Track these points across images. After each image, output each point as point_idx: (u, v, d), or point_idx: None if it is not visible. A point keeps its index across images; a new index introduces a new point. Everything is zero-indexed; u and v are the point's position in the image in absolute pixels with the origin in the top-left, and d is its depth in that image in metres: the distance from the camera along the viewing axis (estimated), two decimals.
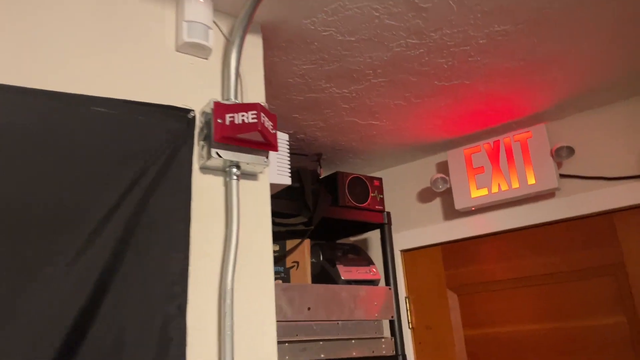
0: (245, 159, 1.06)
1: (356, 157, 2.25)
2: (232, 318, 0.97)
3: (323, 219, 1.90)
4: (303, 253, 1.81)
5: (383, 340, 1.83)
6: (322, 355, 1.67)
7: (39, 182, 0.87)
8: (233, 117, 1.02)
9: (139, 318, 0.90)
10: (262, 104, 1.08)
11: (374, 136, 2.03)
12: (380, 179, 2.10)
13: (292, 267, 1.78)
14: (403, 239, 2.27)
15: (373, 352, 1.80)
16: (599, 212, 1.82)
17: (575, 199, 1.86)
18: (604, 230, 1.82)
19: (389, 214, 2.09)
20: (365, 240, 2.42)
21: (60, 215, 0.88)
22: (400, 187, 2.35)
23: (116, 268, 0.90)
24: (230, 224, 1.04)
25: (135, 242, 0.93)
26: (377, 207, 2.06)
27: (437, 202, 2.23)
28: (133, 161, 0.97)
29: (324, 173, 2.23)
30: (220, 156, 1.02)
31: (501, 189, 1.95)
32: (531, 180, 1.89)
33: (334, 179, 2.01)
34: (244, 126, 1.01)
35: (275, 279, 1.73)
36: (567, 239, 1.89)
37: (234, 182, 1.06)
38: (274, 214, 1.74)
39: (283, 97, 1.67)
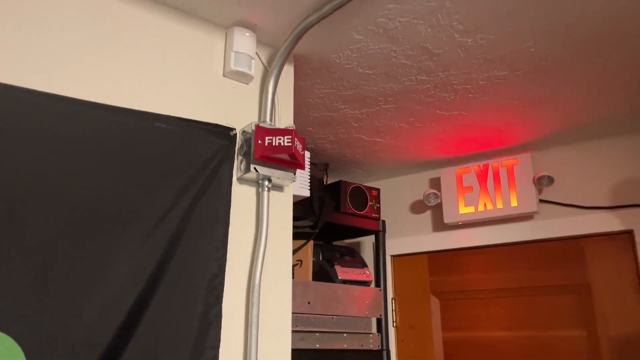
0: (277, 174, 1.26)
1: (358, 168, 2.46)
2: (258, 308, 1.17)
3: (325, 222, 2.10)
4: (307, 253, 2.01)
5: (371, 335, 2.04)
6: (317, 345, 1.87)
7: (108, 185, 1.06)
8: (272, 139, 1.21)
9: (184, 304, 1.09)
10: (294, 128, 1.27)
11: (376, 151, 2.24)
12: (378, 190, 2.31)
13: (296, 265, 1.98)
14: (394, 245, 2.49)
15: (362, 345, 2.01)
16: (571, 236, 2.05)
17: (551, 223, 2.09)
18: (574, 253, 2.05)
19: (384, 222, 2.30)
20: (358, 244, 2.63)
21: (126, 214, 1.06)
22: (395, 198, 2.56)
23: (169, 260, 1.09)
24: (260, 228, 1.23)
25: (185, 239, 1.12)
26: (373, 215, 2.27)
27: (427, 215, 2.44)
28: (185, 170, 1.16)
29: (328, 181, 2.43)
30: (257, 171, 1.21)
31: (487, 208, 2.17)
32: (514, 203, 2.11)
33: (337, 187, 2.21)
34: (280, 148, 1.20)
35: None
36: (541, 257, 2.11)
37: (266, 193, 1.26)
38: None
39: (301, 113, 1.86)
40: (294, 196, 1.44)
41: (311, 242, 2.05)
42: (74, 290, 0.96)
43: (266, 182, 1.26)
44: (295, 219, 1.95)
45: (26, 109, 0.98)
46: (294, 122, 1.91)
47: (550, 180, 2.06)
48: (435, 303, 2.34)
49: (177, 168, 1.15)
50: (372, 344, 2.05)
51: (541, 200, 2.13)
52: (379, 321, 2.15)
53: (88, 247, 1.00)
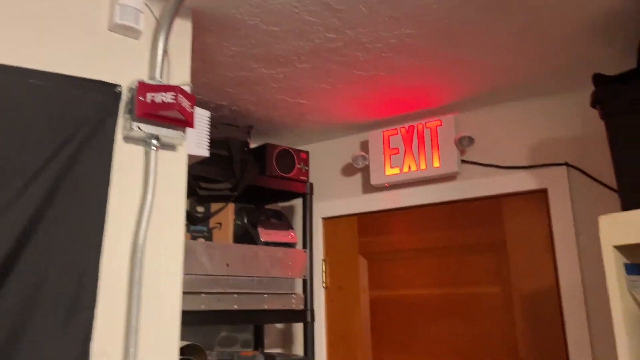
0: (164, 133, 1.22)
1: (288, 132, 2.43)
2: (141, 269, 1.15)
3: (250, 185, 2.09)
4: (227, 216, 2.00)
5: (294, 296, 2.07)
6: (235, 306, 1.88)
7: None
8: (154, 96, 1.17)
9: (59, 265, 1.06)
10: (182, 85, 1.24)
11: (303, 113, 2.21)
12: (307, 152, 2.29)
13: (215, 227, 1.96)
14: (325, 208, 2.50)
15: (284, 305, 2.03)
16: (491, 195, 2.09)
17: (472, 183, 2.12)
18: (493, 212, 2.10)
19: (311, 184, 2.30)
20: (291, 207, 2.63)
21: None
22: (327, 161, 2.56)
23: (41, 220, 1.06)
24: (147, 188, 1.21)
25: (59, 201, 1.08)
26: (301, 177, 2.26)
27: (358, 177, 2.45)
28: (61, 129, 1.11)
29: (255, 143, 2.40)
30: (140, 129, 1.18)
31: (411, 169, 2.19)
32: (436, 164, 2.13)
33: (263, 150, 2.19)
34: (163, 105, 1.17)
35: (198, 237, 1.91)
36: (463, 217, 2.15)
37: (153, 152, 1.23)
38: (203, 179, 1.91)
39: (217, 73, 1.81)
40: (193, 156, 1.41)
41: (232, 205, 2.03)
42: None
43: (154, 141, 1.23)
44: (213, 181, 1.93)
45: None
46: (208, 81, 1.87)
47: (471, 140, 2.08)
48: (363, 264, 2.37)
49: (53, 126, 1.10)
50: (295, 304, 2.07)
51: (463, 161, 2.15)
52: (304, 282, 2.17)
53: None
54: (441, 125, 2.16)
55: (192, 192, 1.87)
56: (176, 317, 1.22)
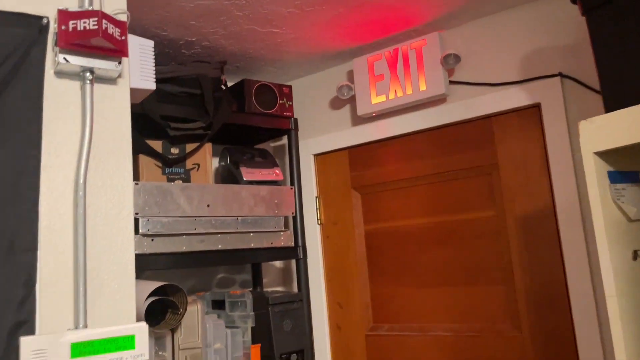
0: (97, 64, 1.15)
1: (269, 66, 2.32)
2: (84, 208, 1.11)
3: (230, 125, 2.02)
4: (204, 156, 1.94)
5: (282, 233, 2.03)
6: (220, 246, 1.86)
7: None
8: (76, 23, 1.09)
9: None
10: (116, 13, 1.15)
11: (279, 44, 2.09)
12: (290, 87, 2.19)
13: (193, 168, 1.91)
14: (315, 144, 2.41)
15: (272, 243, 2.00)
16: (481, 116, 1.97)
17: (462, 105, 1.99)
18: (483, 133, 1.98)
19: (296, 120, 2.21)
20: (283, 147, 2.55)
21: None
22: (314, 95, 2.45)
23: None
24: (84, 124, 1.15)
25: None
26: (285, 113, 2.17)
27: (346, 110, 2.35)
28: None
29: (235, 81, 2.30)
30: (67, 61, 1.11)
31: (397, 95, 2.07)
32: (422, 87, 2.00)
33: (241, 86, 2.10)
34: (86, 33, 1.08)
35: (175, 179, 1.87)
36: (454, 141, 2.04)
37: (88, 86, 1.16)
38: (173, 119, 1.85)
39: (174, 4, 1.71)
40: (140, 90, 1.34)
41: (209, 145, 1.97)
42: None
43: (87, 74, 1.16)
44: (185, 120, 1.86)
45: None
46: (168, 14, 1.76)
47: (457, 58, 1.94)
48: (356, 197, 2.31)
49: None
50: (284, 241, 2.04)
51: (451, 82, 2.02)
52: (293, 219, 2.12)
53: None
54: (426, 44, 2.01)
55: (164, 134, 1.81)
56: (129, 255, 1.19)
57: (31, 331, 1.03)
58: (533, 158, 1.86)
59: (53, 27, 1.15)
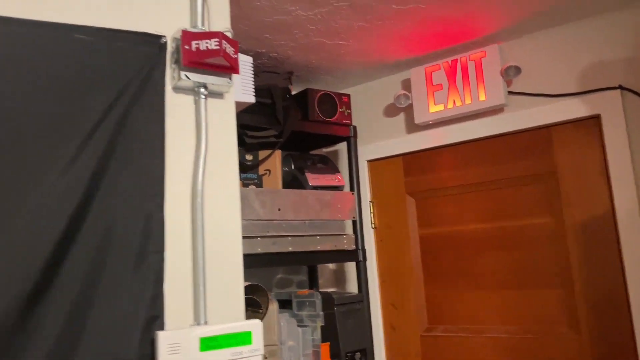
0: (211, 80, 1.24)
1: (328, 75, 2.41)
2: (202, 213, 1.21)
3: (294, 132, 2.11)
4: (275, 162, 2.04)
5: (345, 236, 2.11)
6: (290, 248, 1.95)
7: (30, 103, 1.05)
8: (198, 44, 1.18)
9: (125, 213, 1.12)
10: (224, 32, 1.24)
11: (342, 55, 2.18)
12: (348, 95, 2.28)
13: (265, 174, 2.01)
14: (369, 151, 2.50)
15: (336, 246, 2.09)
16: (539, 126, 2.04)
17: (520, 115, 2.07)
18: (542, 143, 2.05)
19: (355, 127, 2.30)
20: (336, 152, 2.64)
21: (52, 132, 1.06)
22: (369, 103, 2.54)
23: (103, 174, 1.11)
24: (199, 136, 1.24)
25: (119, 152, 1.13)
26: (344, 121, 2.26)
27: (401, 117, 2.43)
28: (112, 83, 1.15)
29: (296, 90, 2.40)
30: (189, 78, 1.20)
31: (456, 105, 2.15)
32: (482, 97, 2.08)
33: (304, 95, 2.19)
34: (208, 52, 1.18)
35: (249, 184, 1.96)
36: (511, 150, 2.12)
37: (202, 101, 1.25)
38: (248, 127, 1.95)
39: (253, 19, 1.80)
40: (240, 103, 1.43)
41: (278, 152, 2.07)
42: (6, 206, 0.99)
43: (202, 90, 1.25)
44: (259, 129, 1.96)
45: None
46: (247, 28, 1.86)
47: (518, 70, 2.01)
48: (410, 202, 2.39)
49: (102, 82, 1.14)
50: (347, 244, 2.12)
51: (510, 92, 2.09)
52: (354, 223, 2.21)
53: (16, 165, 1.02)
54: (485, 56, 2.09)
55: (240, 141, 1.91)
56: (238, 257, 1.28)
57: (161, 326, 1.12)
58: (593, 166, 1.93)
59: (171, 45, 1.24)
